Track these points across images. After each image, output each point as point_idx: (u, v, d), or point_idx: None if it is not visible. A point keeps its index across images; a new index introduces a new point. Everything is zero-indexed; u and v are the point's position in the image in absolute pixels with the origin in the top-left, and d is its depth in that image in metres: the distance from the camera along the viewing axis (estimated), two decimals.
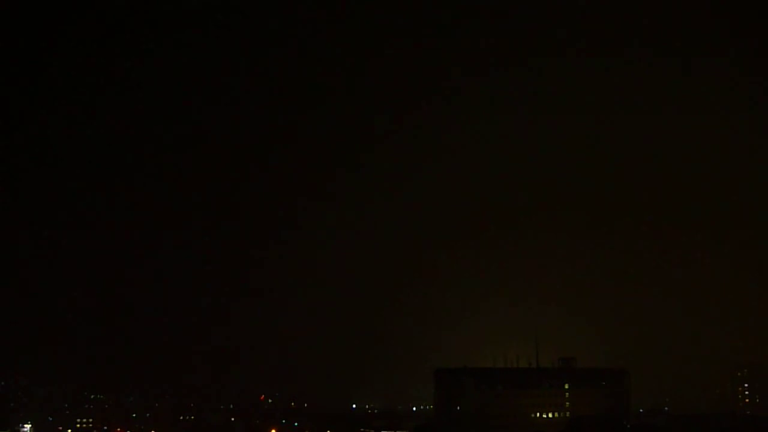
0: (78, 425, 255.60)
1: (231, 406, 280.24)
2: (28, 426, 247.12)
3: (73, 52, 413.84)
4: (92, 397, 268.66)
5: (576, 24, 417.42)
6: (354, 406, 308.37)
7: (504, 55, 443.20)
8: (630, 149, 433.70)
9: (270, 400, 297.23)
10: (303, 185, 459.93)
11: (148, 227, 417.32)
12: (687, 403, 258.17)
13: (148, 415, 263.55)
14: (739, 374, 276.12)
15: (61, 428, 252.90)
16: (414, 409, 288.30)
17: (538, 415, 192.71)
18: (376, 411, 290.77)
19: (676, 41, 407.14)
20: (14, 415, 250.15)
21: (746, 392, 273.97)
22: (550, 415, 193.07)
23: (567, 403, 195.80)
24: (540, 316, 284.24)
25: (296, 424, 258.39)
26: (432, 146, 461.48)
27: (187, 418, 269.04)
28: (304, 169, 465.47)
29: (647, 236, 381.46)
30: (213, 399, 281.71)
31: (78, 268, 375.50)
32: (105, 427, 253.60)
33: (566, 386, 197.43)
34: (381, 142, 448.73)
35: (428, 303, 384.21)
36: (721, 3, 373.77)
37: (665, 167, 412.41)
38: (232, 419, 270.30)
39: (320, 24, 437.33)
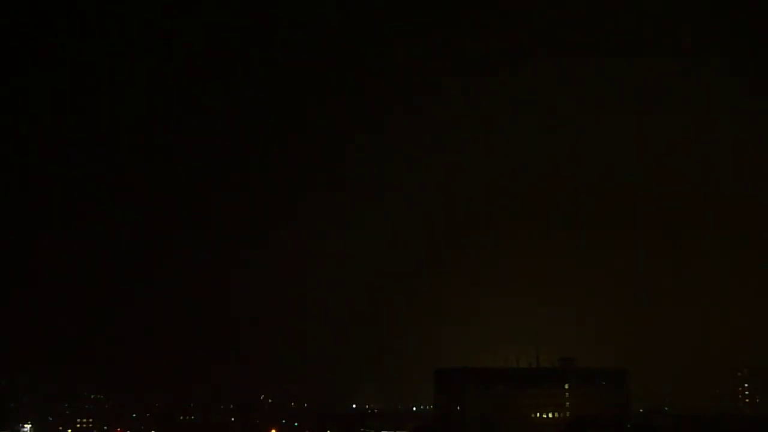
0: (78, 425, 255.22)
1: (231, 406, 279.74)
2: (28, 426, 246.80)
3: (73, 51, 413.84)
4: (92, 397, 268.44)
5: (575, 24, 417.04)
6: (354, 406, 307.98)
7: (502, 55, 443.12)
8: (629, 149, 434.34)
9: (270, 400, 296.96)
10: (303, 182, 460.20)
11: (147, 227, 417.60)
12: (687, 403, 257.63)
13: (148, 415, 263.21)
14: (739, 374, 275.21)
15: (61, 428, 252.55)
16: (414, 409, 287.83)
17: (538, 415, 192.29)
18: (376, 411, 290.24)
19: (677, 41, 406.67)
20: (14, 415, 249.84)
21: (746, 392, 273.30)
22: (550, 415, 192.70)
23: (567, 403, 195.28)
24: (540, 316, 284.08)
25: (296, 424, 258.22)
26: (432, 146, 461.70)
27: (187, 418, 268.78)
28: (304, 164, 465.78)
29: (647, 236, 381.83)
30: (213, 399, 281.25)
31: (78, 268, 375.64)
32: (105, 427, 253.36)
33: (566, 386, 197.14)
34: (383, 139, 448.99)
35: (428, 303, 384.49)
36: (722, 3, 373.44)
37: (666, 167, 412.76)
38: (232, 419, 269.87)
39: (314, 23, 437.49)
